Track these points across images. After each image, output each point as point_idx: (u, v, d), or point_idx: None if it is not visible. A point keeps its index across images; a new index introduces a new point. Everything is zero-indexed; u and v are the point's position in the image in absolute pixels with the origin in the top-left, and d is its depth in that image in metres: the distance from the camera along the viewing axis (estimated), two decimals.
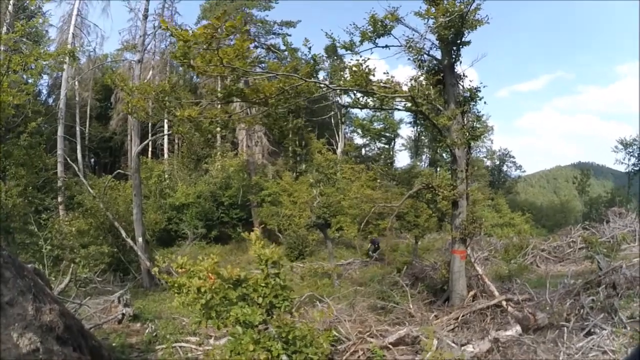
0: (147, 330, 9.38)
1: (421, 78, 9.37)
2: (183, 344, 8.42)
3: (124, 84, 10.96)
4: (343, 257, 22.04)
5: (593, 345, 6.62)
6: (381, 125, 39.55)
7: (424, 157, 43.71)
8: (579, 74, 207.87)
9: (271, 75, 8.01)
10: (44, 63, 15.09)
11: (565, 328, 7.32)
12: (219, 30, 6.23)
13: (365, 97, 8.99)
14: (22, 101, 13.82)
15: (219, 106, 9.96)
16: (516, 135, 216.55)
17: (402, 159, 79.57)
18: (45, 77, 27.99)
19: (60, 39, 27.60)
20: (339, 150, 39.33)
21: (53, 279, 10.52)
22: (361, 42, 9.80)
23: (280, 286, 5.53)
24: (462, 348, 7.04)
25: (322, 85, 8.41)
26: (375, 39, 9.73)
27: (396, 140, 42.13)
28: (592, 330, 7.14)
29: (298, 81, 7.67)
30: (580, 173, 45.07)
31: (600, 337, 6.84)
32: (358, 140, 44.95)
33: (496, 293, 9.44)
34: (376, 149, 43.25)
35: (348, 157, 37.81)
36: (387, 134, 40.75)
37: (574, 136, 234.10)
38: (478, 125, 11.18)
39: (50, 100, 32.52)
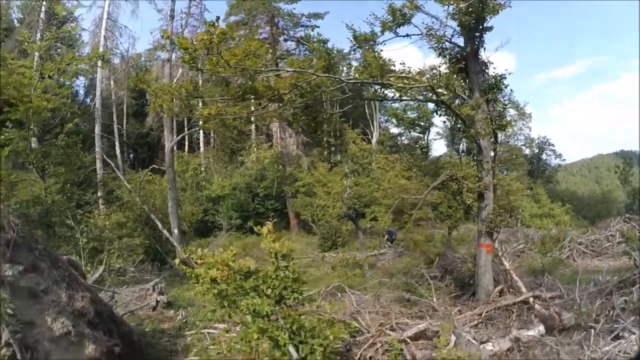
0: (178, 317, 9.75)
1: (442, 67, 9.11)
2: (211, 331, 8.67)
3: (147, 85, 11.39)
4: (377, 247, 21.89)
5: (619, 351, 6.20)
6: (415, 114, 38.71)
7: (461, 145, 42.49)
8: (620, 58, 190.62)
9: (288, 71, 8.07)
10: (78, 67, 15.95)
11: (593, 330, 6.90)
12: (214, 36, 6.39)
13: (383, 89, 8.87)
14: (56, 105, 14.71)
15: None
16: (556, 122, 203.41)
17: (439, 148, 77.40)
18: (81, 78, 29.46)
19: (93, 42, 28.91)
20: (374, 140, 38.89)
21: (88, 269, 11.16)
22: (382, 32, 9.65)
23: (292, 279, 5.67)
24: (482, 346, 6.87)
25: (336, 79, 8.37)
26: (396, 28, 9.54)
27: (431, 129, 41.14)
28: (620, 334, 6.66)
29: (311, 76, 7.71)
30: (623, 162, 42.30)
31: (628, 342, 6.37)
32: (393, 130, 44.23)
33: (524, 289, 9.05)
34: (408, 139, 42.44)
35: (383, 146, 37.28)
36: (422, 123, 39.86)
37: (615, 123, 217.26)
38: (513, 112, 10.75)
39: (88, 100, 34.09)
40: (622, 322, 6.88)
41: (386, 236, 21.72)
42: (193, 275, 5.78)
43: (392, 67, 9.13)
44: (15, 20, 28.32)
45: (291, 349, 4.83)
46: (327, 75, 7.94)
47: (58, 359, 5.23)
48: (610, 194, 43.42)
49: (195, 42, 6.66)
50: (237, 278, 5.52)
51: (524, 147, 43.17)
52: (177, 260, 6.31)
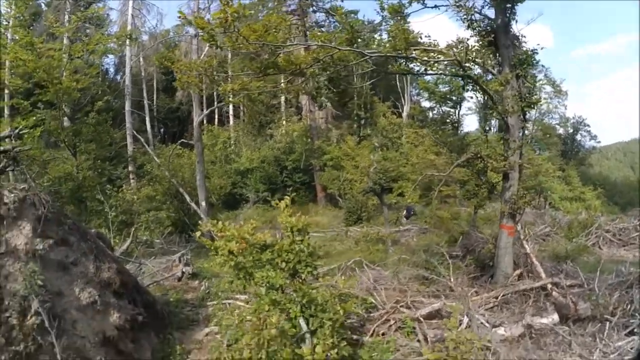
0: (202, 288, 10.11)
1: (470, 40, 8.70)
2: (232, 301, 8.90)
3: (172, 63, 11.52)
4: (392, 222, 21.67)
5: (631, 348, 5.96)
6: (447, 88, 37.34)
7: (493, 122, 40.94)
8: None
9: (309, 45, 7.93)
10: (106, 46, 16.30)
11: (608, 323, 6.63)
12: (228, 15, 6.34)
13: (407, 62, 8.59)
14: (86, 84, 15.17)
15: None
16: (592, 101, 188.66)
17: (471, 124, 74.81)
18: (111, 56, 30.01)
19: (121, 20, 29.31)
20: (404, 114, 37.96)
21: (117, 241, 11.62)
22: (410, 2, 9.27)
23: (307, 253, 5.77)
24: (494, 329, 6.77)
25: (358, 52, 8.13)
26: None
27: (462, 104, 39.67)
28: (635, 330, 6.39)
29: (333, 50, 7.56)
30: None
31: None
32: (425, 103, 42.90)
33: (543, 275, 8.72)
34: (438, 113, 41.17)
35: (413, 120, 36.40)
36: (453, 97, 38.50)
37: None
38: (549, 89, 10.21)
39: (118, 78, 34.89)
40: (638, 317, 6.60)
41: (404, 212, 21.50)
42: (212, 248, 5.97)
43: (419, 40, 8.83)
44: (43, 4, 29.01)
45: (301, 322, 4.96)
46: (348, 48, 7.77)
47: (84, 326, 5.52)
48: None
49: (212, 21, 6.66)
50: (253, 251, 5.68)
51: (558, 126, 41.36)
52: (198, 233, 6.47)
